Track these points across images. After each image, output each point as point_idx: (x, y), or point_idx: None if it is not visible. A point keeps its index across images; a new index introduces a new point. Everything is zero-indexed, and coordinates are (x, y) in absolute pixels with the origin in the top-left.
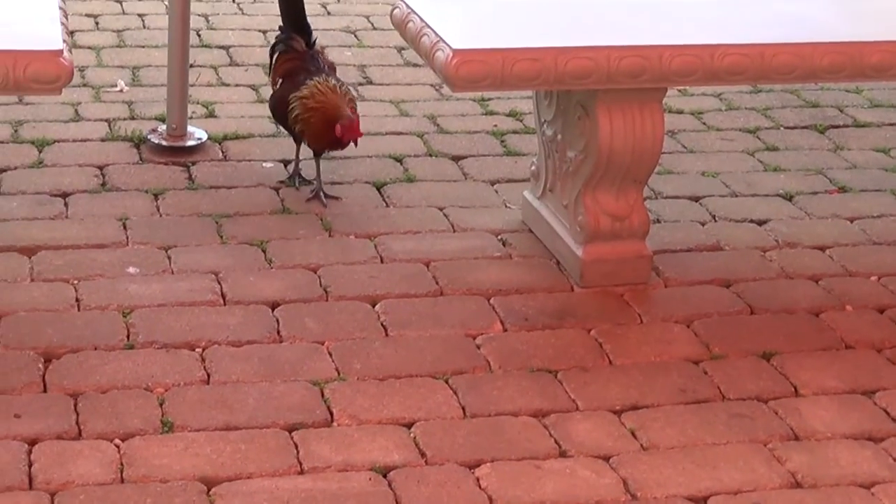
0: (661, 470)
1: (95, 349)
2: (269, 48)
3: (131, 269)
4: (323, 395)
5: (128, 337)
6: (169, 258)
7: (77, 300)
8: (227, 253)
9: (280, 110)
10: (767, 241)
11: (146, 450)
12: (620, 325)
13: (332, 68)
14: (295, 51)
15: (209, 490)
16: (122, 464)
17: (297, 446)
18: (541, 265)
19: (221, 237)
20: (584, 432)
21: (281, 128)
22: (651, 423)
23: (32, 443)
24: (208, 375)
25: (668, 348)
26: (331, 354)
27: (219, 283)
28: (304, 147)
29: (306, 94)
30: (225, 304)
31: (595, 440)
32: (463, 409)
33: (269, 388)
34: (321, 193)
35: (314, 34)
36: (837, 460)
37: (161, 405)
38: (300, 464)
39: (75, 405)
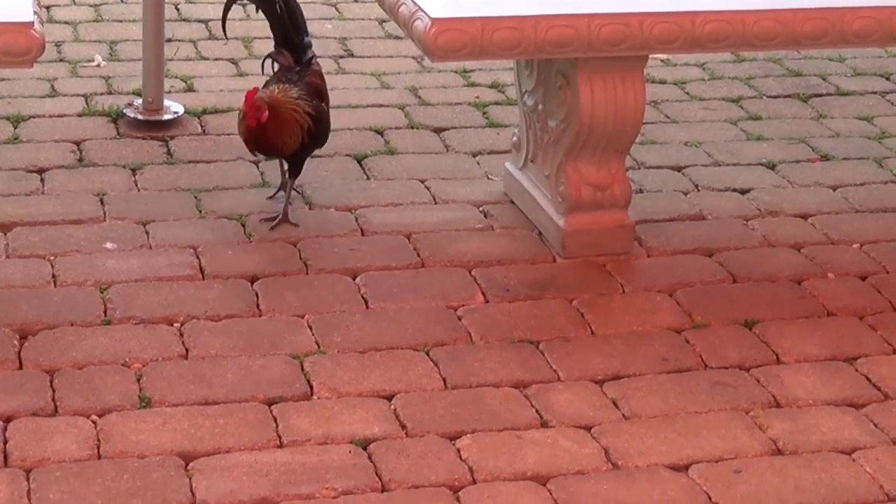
0: (642, 439)
1: (72, 325)
2: (263, 57)
3: (108, 245)
4: (303, 368)
5: (105, 312)
6: (147, 233)
7: (53, 276)
8: (206, 227)
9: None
10: (750, 209)
11: (123, 425)
12: (603, 295)
13: (312, 87)
14: (282, 66)
15: (187, 465)
16: (98, 440)
17: (276, 420)
18: (523, 236)
19: (200, 211)
20: (565, 402)
21: None
22: (633, 392)
23: (7, 420)
24: (186, 350)
25: (650, 318)
26: (311, 328)
27: (197, 257)
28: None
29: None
30: (203, 279)
31: (576, 410)
32: (444, 380)
33: (248, 361)
34: (282, 219)
35: (310, 52)
36: (819, 427)
37: (138, 381)
38: (279, 437)
39: (51, 381)
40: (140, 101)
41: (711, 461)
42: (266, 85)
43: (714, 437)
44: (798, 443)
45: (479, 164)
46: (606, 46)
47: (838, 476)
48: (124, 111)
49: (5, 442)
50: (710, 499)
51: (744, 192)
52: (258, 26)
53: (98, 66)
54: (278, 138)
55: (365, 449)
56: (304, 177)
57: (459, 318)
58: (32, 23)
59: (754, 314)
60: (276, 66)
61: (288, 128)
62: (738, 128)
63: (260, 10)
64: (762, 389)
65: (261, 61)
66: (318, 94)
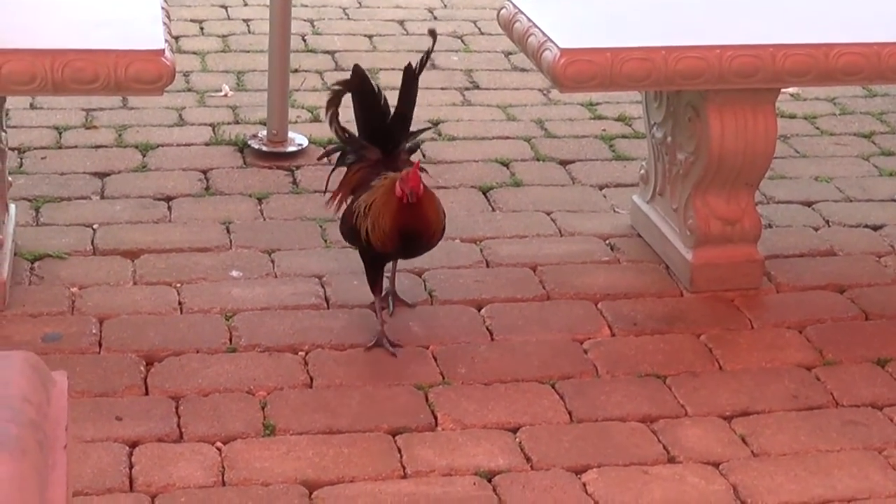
0: (772, 476)
1: (197, 352)
2: (335, 159)
3: (234, 273)
4: (427, 399)
5: (230, 340)
6: (272, 262)
7: (179, 303)
8: (332, 257)
9: (348, 222)
10: (883, 246)
11: (247, 453)
12: (731, 330)
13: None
14: (367, 160)
15: (311, 493)
16: (223, 466)
17: (400, 450)
18: (650, 269)
19: (325, 241)
20: (693, 438)
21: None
22: (762, 429)
23: (133, 445)
24: (311, 379)
25: (779, 354)
26: (435, 358)
27: (322, 286)
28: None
29: (376, 185)
30: (329, 308)
31: (705, 446)
32: (569, 413)
33: (372, 391)
34: (385, 340)
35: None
36: None
37: (263, 408)
38: (403, 468)
39: (177, 408)
40: (265, 131)
41: (844, 501)
42: (366, 183)
43: (846, 477)
44: None
45: (605, 196)
46: (738, 78)
47: None
48: (249, 142)
49: (131, 467)
50: None
51: (876, 228)
52: (383, 57)
53: (225, 95)
54: (436, 216)
55: (490, 481)
56: None
57: (585, 352)
58: (163, 50)
59: (887, 352)
60: (347, 167)
61: (437, 207)
62: (871, 163)
63: (357, 102)
64: None
65: (332, 160)
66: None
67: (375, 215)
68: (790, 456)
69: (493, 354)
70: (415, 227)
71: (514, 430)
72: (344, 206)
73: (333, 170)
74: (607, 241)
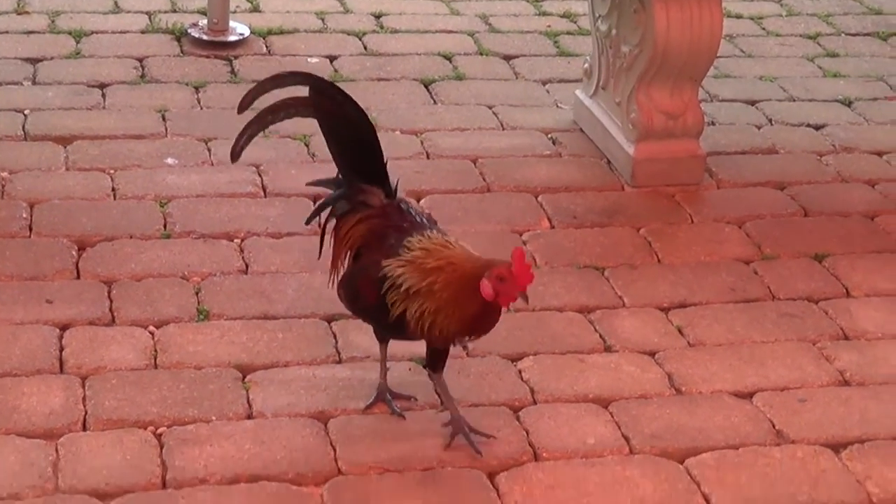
0: (706, 366)
1: (131, 238)
2: (316, 209)
3: (170, 160)
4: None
5: (164, 226)
6: (209, 150)
7: (113, 189)
8: (270, 146)
9: (366, 293)
10: (824, 145)
11: (180, 337)
12: (671, 224)
13: (431, 220)
14: (370, 207)
15: (244, 377)
16: (155, 350)
17: (335, 336)
18: (591, 164)
19: (264, 130)
20: (630, 328)
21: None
22: (698, 320)
23: (64, 328)
24: (246, 266)
25: (718, 248)
26: None
27: (259, 175)
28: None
29: (417, 255)
30: (266, 197)
31: (641, 336)
32: None
33: (308, 279)
34: (466, 433)
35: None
36: (887, 360)
37: (197, 294)
38: (339, 353)
39: (109, 292)
40: (205, 21)
41: (776, 390)
42: (381, 239)
43: (780, 367)
44: (865, 375)
45: (548, 91)
46: None
47: None
48: (188, 30)
49: (61, 349)
50: (773, 426)
51: (818, 127)
52: None
53: None
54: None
55: (425, 367)
56: (370, 100)
57: (524, 243)
58: None
59: (825, 248)
60: (336, 220)
61: None
62: (815, 64)
63: (330, 139)
64: (830, 322)
65: (318, 211)
66: (436, 223)
67: (433, 309)
68: (725, 346)
69: None
70: (488, 326)
71: None
72: (342, 268)
73: (325, 224)
74: (549, 136)
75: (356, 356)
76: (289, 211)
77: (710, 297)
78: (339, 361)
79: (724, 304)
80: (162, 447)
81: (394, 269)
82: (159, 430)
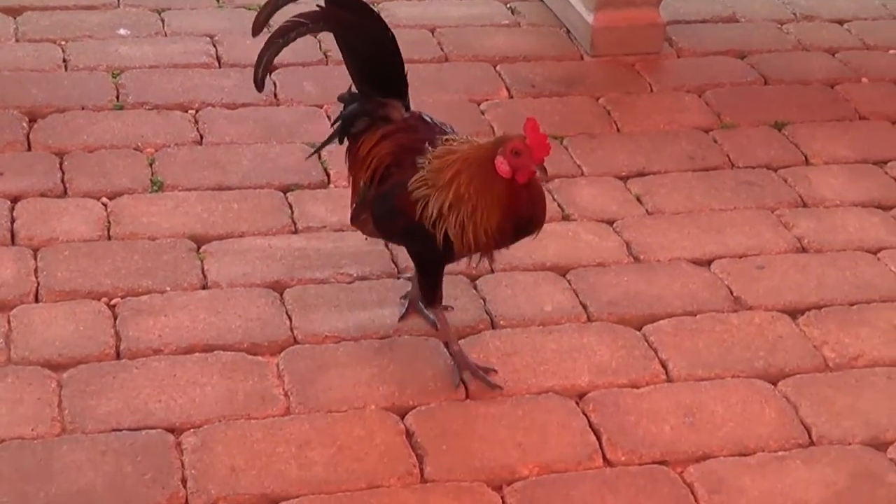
0: (665, 234)
1: (83, 109)
2: (334, 132)
3: (122, 31)
4: (320, 156)
5: (117, 97)
6: (162, 20)
7: (64, 60)
8: (224, 16)
9: (403, 210)
10: (785, 13)
11: (134, 208)
12: (630, 93)
13: (451, 128)
14: (390, 121)
15: (199, 248)
16: (108, 221)
17: (291, 206)
18: (550, 33)
19: (217, 0)
20: (588, 197)
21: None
22: (657, 188)
23: (15, 200)
24: (201, 136)
25: (677, 117)
26: (329, 117)
27: (214, 45)
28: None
29: (433, 174)
30: (220, 67)
31: (599, 205)
32: None
33: (264, 149)
34: (475, 370)
35: None
36: (845, 227)
37: (151, 165)
38: (294, 223)
39: (61, 164)
40: None
41: (734, 257)
42: (409, 153)
43: (738, 234)
44: (823, 241)
45: None
46: None
47: (862, 274)
48: None
49: (12, 221)
50: (731, 293)
51: None
52: None
53: None
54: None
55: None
56: None
57: (482, 112)
58: None
59: (785, 116)
60: (358, 138)
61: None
62: None
63: (347, 53)
64: (789, 189)
65: (335, 129)
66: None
67: (470, 212)
68: (684, 214)
69: None
70: (533, 211)
71: None
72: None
73: (335, 143)
74: (508, 5)
75: (312, 226)
76: (244, 81)
77: (669, 166)
78: (296, 232)
79: (683, 172)
80: (116, 318)
81: (420, 181)
82: (113, 301)
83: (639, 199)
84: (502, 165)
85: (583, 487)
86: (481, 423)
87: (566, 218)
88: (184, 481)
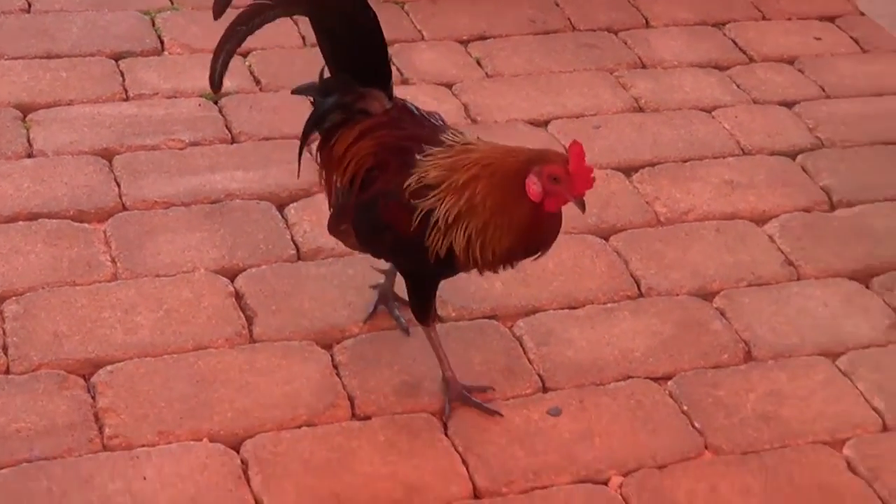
0: (503, 96)
1: None
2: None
3: None
4: (154, 24)
5: None
6: None
7: None
8: None
9: (398, 225)
10: None
11: None
12: None
13: (441, 119)
14: (369, 115)
15: (25, 116)
16: None
17: (122, 74)
18: None
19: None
20: (427, 61)
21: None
22: (497, 52)
23: None
24: (29, 5)
25: None
26: None
27: None
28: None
29: (454, 153)
30: None
31: (439, 68)
32: (303, 38)
33: (95, 16)
34: (469, 399)
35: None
36: (682, 87)
37: None
38: (126, 91)
39: None
40: None
41: (572, 117)
42: (396, 154)
43: (576, 95)
44: (660, 101)
45: None
46: None
47: (696, 132)
48: None
49: None
50: (565, 150)
51: None
52: None
53: None
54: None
55: (216, 103)
56: None
57: None
58: None
59: None
60: (334, 134)
61: None
62: None
63: (323, 37)
64: (629, 51)
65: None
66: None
67: (480, 226)
68: (523, 77)
69: None
70: (547, 237)
71: (245, 54)
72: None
73: (307, 139)
74: None
75: (144, 93)
76: None
77: (511, 30)
78: (127, 99)
79: (524, 35)
80: None
81: (415, 184)
82: None
83: (479, 63)
84: (534, 186)
85: (413, 343)
86: (312, 283)
87: (405, 82)
88: (4, 349)
